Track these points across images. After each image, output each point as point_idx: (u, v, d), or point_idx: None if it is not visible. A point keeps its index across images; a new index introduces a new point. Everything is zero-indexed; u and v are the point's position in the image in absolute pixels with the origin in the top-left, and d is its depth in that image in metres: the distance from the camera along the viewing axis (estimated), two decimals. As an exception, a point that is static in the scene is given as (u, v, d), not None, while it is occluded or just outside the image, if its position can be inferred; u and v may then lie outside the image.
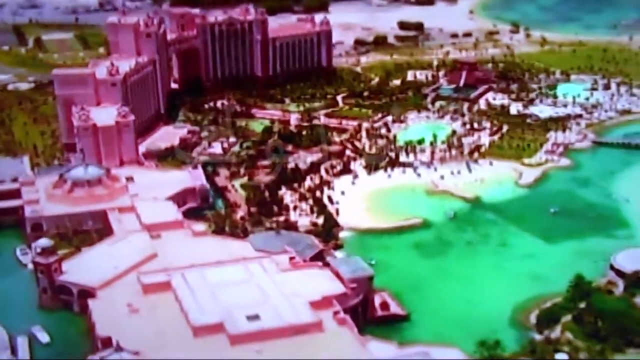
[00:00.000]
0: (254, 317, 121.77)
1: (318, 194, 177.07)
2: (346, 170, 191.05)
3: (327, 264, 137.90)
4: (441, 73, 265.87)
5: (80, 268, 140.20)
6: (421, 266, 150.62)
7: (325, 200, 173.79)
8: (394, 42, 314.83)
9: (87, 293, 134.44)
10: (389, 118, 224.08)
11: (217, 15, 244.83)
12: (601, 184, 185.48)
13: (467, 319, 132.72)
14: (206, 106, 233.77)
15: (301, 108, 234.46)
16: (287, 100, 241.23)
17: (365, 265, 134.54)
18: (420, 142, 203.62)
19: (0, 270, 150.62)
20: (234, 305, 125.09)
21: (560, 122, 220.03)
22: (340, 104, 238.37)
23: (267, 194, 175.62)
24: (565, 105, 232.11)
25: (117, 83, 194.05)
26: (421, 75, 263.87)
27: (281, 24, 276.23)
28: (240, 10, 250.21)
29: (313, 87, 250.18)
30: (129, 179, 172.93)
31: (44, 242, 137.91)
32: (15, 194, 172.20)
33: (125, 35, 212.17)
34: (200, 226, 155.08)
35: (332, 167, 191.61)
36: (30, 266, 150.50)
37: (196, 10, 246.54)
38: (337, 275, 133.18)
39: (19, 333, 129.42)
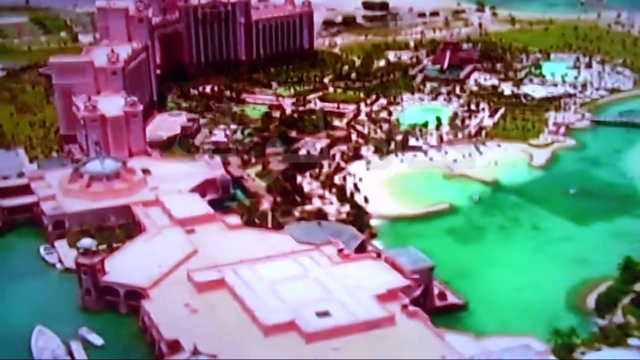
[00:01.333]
0: (325, 314, 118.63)
1: (339, 181, 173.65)
2: (357, 155, 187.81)
3: (378, 255, 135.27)
4: (421, 53, 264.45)
5: (123, 267, 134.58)
6: (461, 253, 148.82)
7: (351, 187, 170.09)
8: (362, 23, 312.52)
9: (135, 294, 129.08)
10: (383, 101, 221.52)
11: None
12: (611, 163, 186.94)
13: (524, 306, 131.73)
14: (194, 92, 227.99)
15: (290, 92, 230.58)
16: (274, 85, 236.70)
17: (424, 256, 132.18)
18: (425, 125, 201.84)
19: (28, 272, 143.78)
20: (298, 301, 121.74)
21: (554, 102, 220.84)
22: (330, 87, 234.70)
23: (287, 183, 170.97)
24: (555, 85, 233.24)
25: (117, 71, 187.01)
26: (402, 55, 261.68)
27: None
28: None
29: (297, 70, 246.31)
30: (145, 171, 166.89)
31: (87, 242, 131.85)
32: (23, 189, 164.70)
33: (115, 20, 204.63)
34: (234, 219, 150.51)
35: (343, 153, 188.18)
36: (59, 266, 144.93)
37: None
38: (394, 266, 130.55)
39: (67, 337, 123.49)
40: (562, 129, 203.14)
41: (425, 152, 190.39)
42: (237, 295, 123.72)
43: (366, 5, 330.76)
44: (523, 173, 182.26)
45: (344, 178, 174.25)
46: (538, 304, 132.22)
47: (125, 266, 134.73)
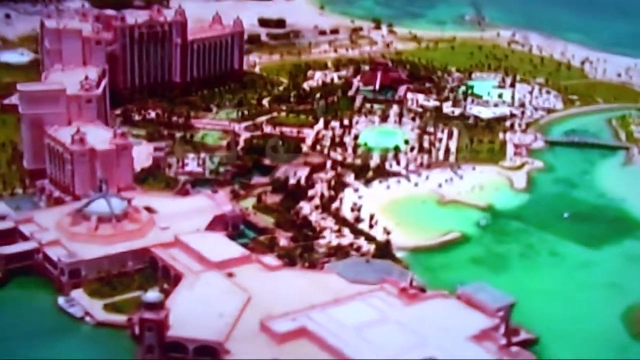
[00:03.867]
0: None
1: (343, 211, 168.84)
2: (341, 183, 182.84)
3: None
4: (343, 73, 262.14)
5: (183, 320, 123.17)
6: (497, 283, 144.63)
7: (366, 218, 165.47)
8: (267, 41, 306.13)
9: (207, 349, 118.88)
10: (334, 123, 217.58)
11: (137, 17, 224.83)
12: (585, 185, 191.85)
13: (589, 336, 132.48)
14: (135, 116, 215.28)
15: (233, 116, 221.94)
16: (214, 108, 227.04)
17: (501, 292, 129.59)
18: (397, 149, 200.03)
19: (55, 329, 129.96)
20: (395, 348, 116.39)
21: (501, 122, 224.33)
22: (270, 109, 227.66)
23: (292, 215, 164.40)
24: (496, 105, 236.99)
25: (93, 99, 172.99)
26: (329, 76, 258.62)
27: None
28: (154, 11, 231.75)
29: (231, 92, 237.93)
30: (149, 209, 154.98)
31: (153, 295, 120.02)
32: (9, 234, 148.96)
33: (70, 43, 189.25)
34: (272, 259, 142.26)
35: (329, 180, 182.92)
36: (89, 319, 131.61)
37: (112, 11, 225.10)
38: (469, 303, 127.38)
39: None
40: (524, 151, 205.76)
41: (408, 178, 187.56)
42: (329, 345, 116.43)
43: (262, 22, 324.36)
44: (510, 197, 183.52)
45: (352, 209, 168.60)
46: (601, 334, 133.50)
47: (184, 318, 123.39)
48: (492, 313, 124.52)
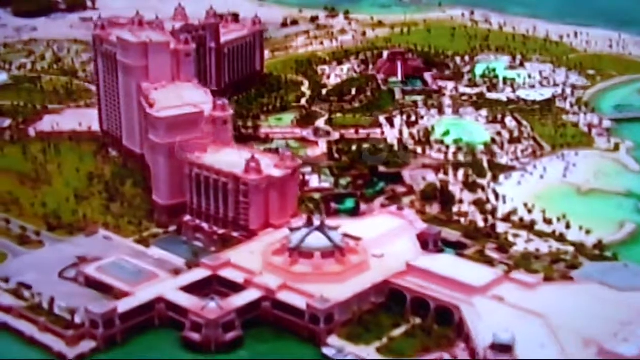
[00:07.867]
0: None
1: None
2: (473, 184, 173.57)
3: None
4: (347, 66, 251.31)
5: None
6: None
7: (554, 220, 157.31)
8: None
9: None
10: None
11: (174, 23, 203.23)
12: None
13: None
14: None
15: (286, 121, 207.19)
16: (262, 116, 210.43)
17: None
18: (494, 141, 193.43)
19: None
20: None
21: (552, 104, 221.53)
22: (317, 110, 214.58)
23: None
24: (532, 87, 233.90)
25: (228, 120, 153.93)
26: (340, 70, 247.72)
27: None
28: (177, 13, 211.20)
29: (262, 96, 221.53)
30: (349, 235, 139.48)
31: (505, 336, 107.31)
32: (207, 283, 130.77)
33: (158, 57, 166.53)
34: (527, 276, 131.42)
35: (463, 183, 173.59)
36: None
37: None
38: None
39: None
40: (605, 132, 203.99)
41: (527, 171, 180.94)
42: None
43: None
44: (636, 180, 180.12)
45: (530, 211, 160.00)
46: None
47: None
48: None
